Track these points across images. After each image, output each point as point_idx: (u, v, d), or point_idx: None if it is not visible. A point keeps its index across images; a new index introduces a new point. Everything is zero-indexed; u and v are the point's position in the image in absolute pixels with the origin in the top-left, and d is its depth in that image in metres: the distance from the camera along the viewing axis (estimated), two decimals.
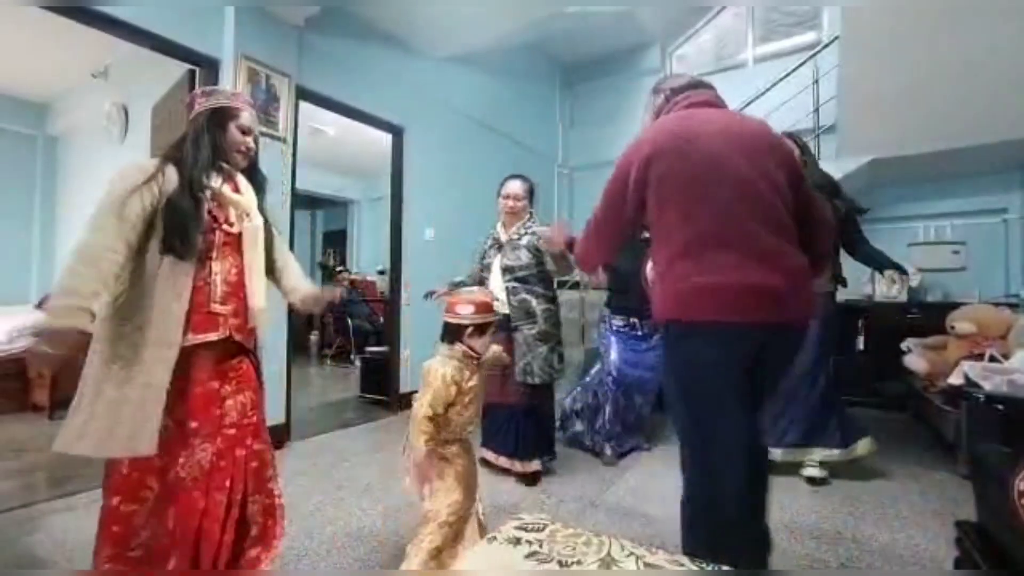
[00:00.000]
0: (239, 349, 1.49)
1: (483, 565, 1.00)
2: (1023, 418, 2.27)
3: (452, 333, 1.60)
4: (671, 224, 1.27)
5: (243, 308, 1.48)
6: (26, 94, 4.74)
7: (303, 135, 3.47)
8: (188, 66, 2.79)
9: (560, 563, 0.98)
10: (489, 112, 4.80)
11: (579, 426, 3.04)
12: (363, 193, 8.23)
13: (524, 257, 2.53)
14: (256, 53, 2.85)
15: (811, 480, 2.47)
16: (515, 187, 2.63)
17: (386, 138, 3.99)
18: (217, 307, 1.42)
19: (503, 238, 2.64)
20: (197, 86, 2.80)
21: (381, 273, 6.91)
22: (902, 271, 2.59)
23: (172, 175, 1.36)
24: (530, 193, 2.67)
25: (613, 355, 2.97)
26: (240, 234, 1.48)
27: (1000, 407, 2.34)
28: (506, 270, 2.54)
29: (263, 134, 2.92)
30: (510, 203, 2.61)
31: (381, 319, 6.48)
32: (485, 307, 1.63)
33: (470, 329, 1.59)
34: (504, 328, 2.41)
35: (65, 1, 2.35)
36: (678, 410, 1.32)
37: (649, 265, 1.61)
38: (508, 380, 2.48)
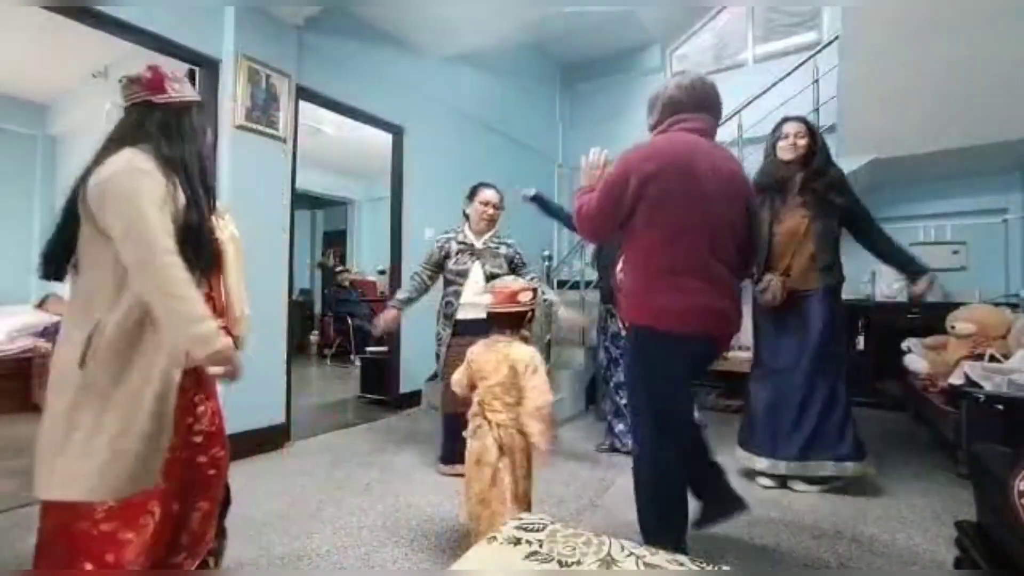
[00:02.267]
0: None
1: (483, 565, 1.00)
2: (1023, 418, 2.27)
3: (515, 322, 1.67)
4: (654, 244, 1.53)
5: (228, 316, 1.43)
6: (26, 94, 4.73)
7: (303, 135, 3.46)
8: (188, 66, 2.79)
9: (560, 563, 0.97)
10: (489, 112, 4.80)
11: (622, 425, 2.86)
12: (363, 193, 8.21)
13: (504, 266, 2.60)
14: (256, 53, 2.85)
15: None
16: (494, 195, 2.69)
17: (386, 138, 3.98)
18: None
19: (477, 244, 2.65)
20: (197, 86, 2.79)
21: (381, 273, 6.90)
22: (921, 271, 2.42)
23: (177, 183, 1.23)
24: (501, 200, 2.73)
25: (602, 353, 3.07)
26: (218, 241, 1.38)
27: (1000, 407, 2.34)
28: (490, 277, 2.51)
29: (262, 133, 2.92)
30: (489, 211, 2.66)
31: None
32: (535, 292, 1.76)
33: (529, 314, 1.69)
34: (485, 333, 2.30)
35: (65, 1, 2.34)
36: (639, 391, 1.65)
37: (620, 266, 1.73)
38: None
